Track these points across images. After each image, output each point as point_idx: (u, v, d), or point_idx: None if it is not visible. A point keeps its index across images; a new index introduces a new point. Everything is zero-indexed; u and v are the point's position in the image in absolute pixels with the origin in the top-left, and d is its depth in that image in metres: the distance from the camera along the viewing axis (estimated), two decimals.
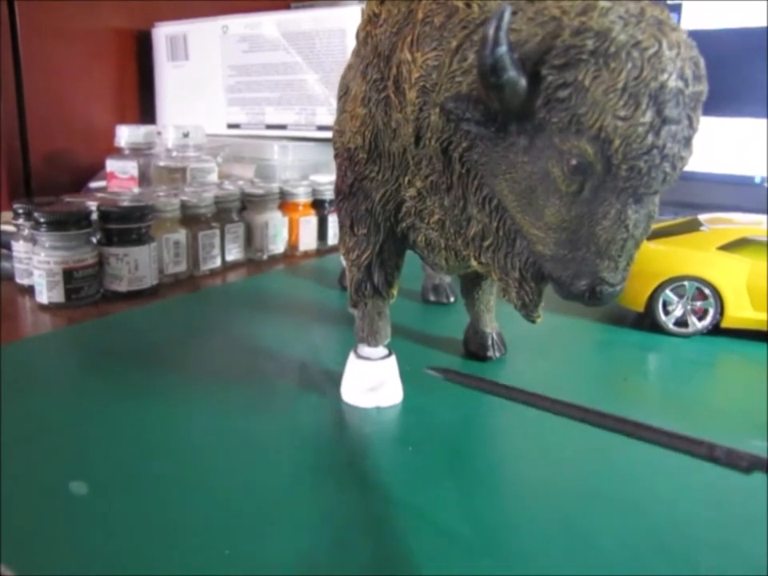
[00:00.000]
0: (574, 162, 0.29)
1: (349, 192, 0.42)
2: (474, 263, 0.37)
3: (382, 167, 0.39)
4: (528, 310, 0.36)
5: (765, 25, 0.89)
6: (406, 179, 0.39)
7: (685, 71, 0.28)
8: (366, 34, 0.39)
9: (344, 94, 0.42)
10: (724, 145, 0.95)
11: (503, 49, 0.28)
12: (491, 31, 0.27)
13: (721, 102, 0.91)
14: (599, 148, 0.28)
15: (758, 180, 0.96)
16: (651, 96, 0.27)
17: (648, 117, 0.27)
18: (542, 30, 0.29)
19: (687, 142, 0.29)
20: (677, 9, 0.98)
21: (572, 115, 0.28)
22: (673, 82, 0.28)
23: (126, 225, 0.62)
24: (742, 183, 0.96)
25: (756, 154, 0.93)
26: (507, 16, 0.27)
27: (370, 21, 0.39)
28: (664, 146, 0.28)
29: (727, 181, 0.97)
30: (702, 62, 0.29)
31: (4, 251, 0.68)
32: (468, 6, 0.33)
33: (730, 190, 0.96)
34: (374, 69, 0.38)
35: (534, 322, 0.36)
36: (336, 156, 0.43)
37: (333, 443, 0.38)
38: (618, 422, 0.27)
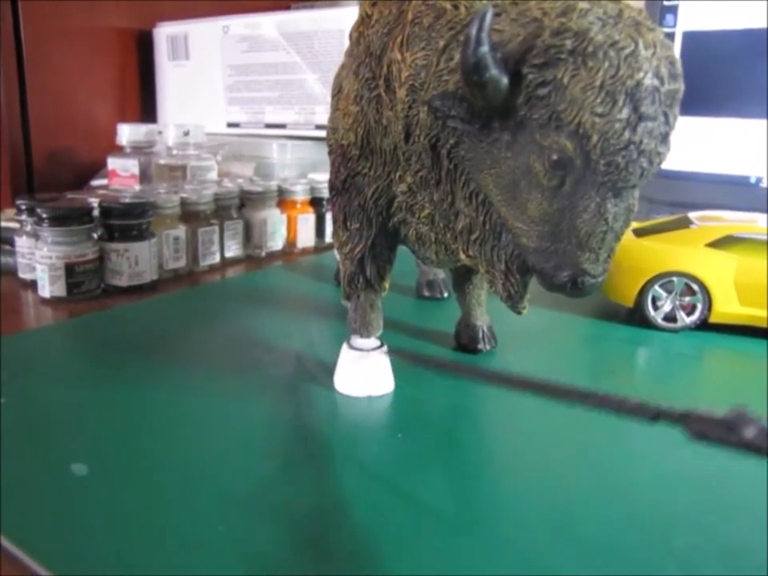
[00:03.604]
0: (554, 157, 0.30)
1: (342, 187, 0.43)
2: (462, 256, 0.38)
3: (373, 163, 0.41)
4: (513, 302, 0.37)
5: (761, 26, 0.90)
6: (397, 175, 0.40)
7: (660, 70, 0.29)
8: (358, 35, 0.41)
9: (337, 92, 0.43)
10: (719, 145, 0.96)
11: (485, 48, 0.29)
12: (474, 31, 0.29)
13: (715, 102, 0.92)
14: (578, 143, 0.29)
15: (752, 180, 0.97)
16: (627, 93, 0.28)
17: (624, 113, 0.29)
18: (524, 30, 0.30)
19: (664, 138, 0.30)
20: (673, 10, 0.99)
21: (552, 112, 0.29)
22: (648, 80, 0.29)
23: (126, 221, 0.63)
24: (737, 183, 0.97)
25: (750, 154, 0.94)
26: (489, 17, 0.29)
27: (362, 22, 0.41)
28: (641, 142, 0.29)
29: (722, 181, 0.97)
30: (678, 62, 0.30)
31: (7, 247, 0.69)
32: (455, 7, 0.34)
33: (725, 190, 0.96)
34: (366, 68, 0.39)
35: (519, 313, 0.37)
36: (330, 153, 0.44)
37: (325, 430, 0.39)
38: (539, 386, 0.28)
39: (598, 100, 0.28)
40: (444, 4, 0.35)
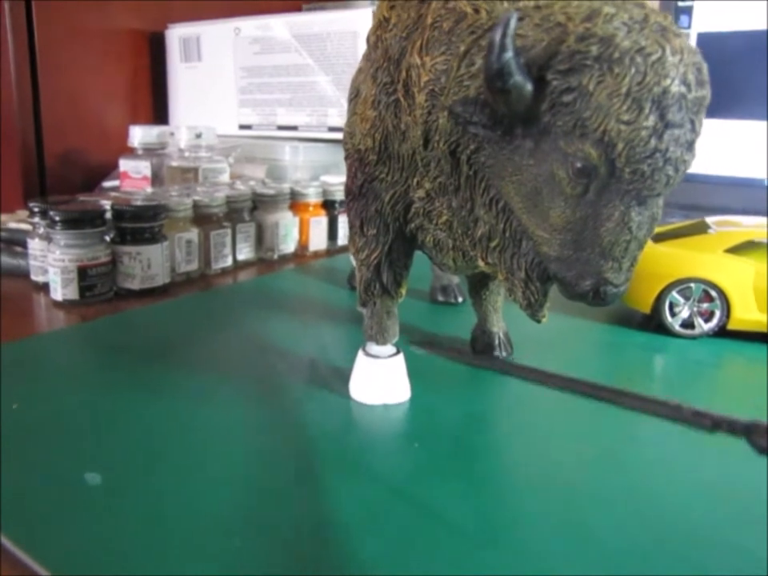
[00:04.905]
0: (578, 164, 0.30)
1: (359, 193, 0.42)
2: (480, 263, 0.38)
3: (391, 169, 0.40)
4: (533, 310, 0.36)
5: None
6: (415, 180, 0.39)
7: (688, 76, 0.28)
8: (376, 38, 0.40)
9: (354, 96, 0.43)
10: (735, 147, 0.95)
11: (509, 54, 0.28)
12: (498, 37, 0.28)
13: (731, 103, 0.91)
14: (603, 151, 0.29)
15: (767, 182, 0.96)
16: (654, 101, 0.28)
17: (651, 121, 0.28)
18: (548, 35, 0.30)
19: (690, 145, 0.30)
20: (688, 11, 0.98)
21: (576, 119, 0.29)
22: (675, 87, 0.28)
23: (139, 224, 0.63)
24: (752, 186, 0.96)
25: (765, 157, 0.93)
26: (513, 22, 0.28)
27: (380, 25, 0.40)
28: (667, 150, 0.29)
29: (737, 183, 0.97)
30: (705, 67, 0.30)
31: (19, 249, 0.69)
32: (476, 11, 0.34)
33: (740, 193, 0.95)
34: (384, 72, 0.39)
35: (539, 321, 0.37)
36: (346, 157, 0.44)
37: (341, 439, 0.38)
38: (592, 389, 0.28)
39: (624, 107, 0.28)
40: (465, 8, 0.34)
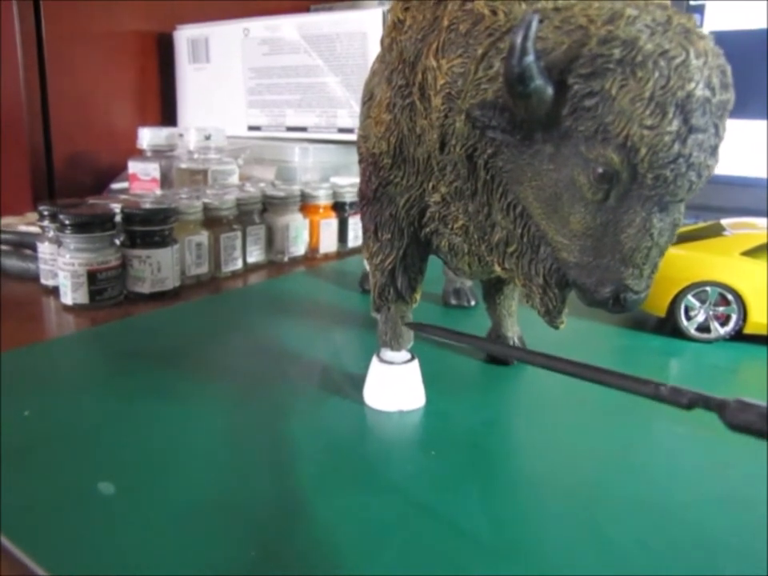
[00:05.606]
0: (599, 170, 0.29)
1: (373, 197, 0.42)
2: (497, 269, 0.37)
3: (406, 173, 0.40)
4: (551, 317, 0.36)
5: None
6: (431, 185, 0.39)
7: (712, 80, 0.28)
8: (390, 41, 0.40)
9: (368, 99, 0.42)
10: (750, 147, 0.94)
11: (530, 58, 0.28)
12: (519, 40, 0.28)
13: (746, 103, 0.90)
14: (625, 157, 0.28)
15: None
16: (678, 105, 0.27)
17: (674, 126, 0.27)
18: (569, 38, 0.29)
19: (713, 150, 0.29)
20: (700, 10, 0.98)
21: (598, 124, 0.28)
22: (700, 91, 0.28)
23: (149, 227, 0.62)
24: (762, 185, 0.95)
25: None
26: (535, 24, 0.28)
27: (394, 27, 0.39)
28: (690, 155, 0.28)
29: (747, 183, 0.96)
30: (729, 71, 0.29)
31: (29, 252, 0.69)
32: (494, 13, 0.33)
33: (752, 193, 0.95)
34: (399, 75, 0.38)
35: (557, 328, 0.36)
36: (360, 161, 0.43)
37: (355, 446, 0.38)
38: (567, 365, 0.28)
39: (648, 112, 0.27)
40: (482, 9, 0.34)
